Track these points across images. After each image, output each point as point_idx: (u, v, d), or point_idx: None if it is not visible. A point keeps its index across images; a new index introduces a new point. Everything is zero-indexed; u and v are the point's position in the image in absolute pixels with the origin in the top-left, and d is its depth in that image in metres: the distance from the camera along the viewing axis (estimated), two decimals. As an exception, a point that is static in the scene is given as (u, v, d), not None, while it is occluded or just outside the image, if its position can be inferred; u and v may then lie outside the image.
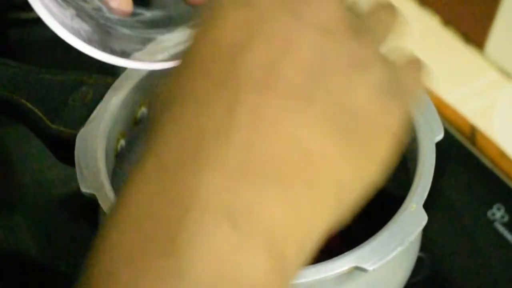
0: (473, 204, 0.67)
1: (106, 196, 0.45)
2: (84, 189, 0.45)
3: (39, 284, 0.62)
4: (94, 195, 0.45)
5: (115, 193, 0.46)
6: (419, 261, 0.53)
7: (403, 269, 0.50)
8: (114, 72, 0.54)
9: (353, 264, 0.42)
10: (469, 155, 0.73)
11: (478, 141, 0.75)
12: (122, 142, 0.53)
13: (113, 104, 0.51)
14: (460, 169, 0.70)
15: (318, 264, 0.42)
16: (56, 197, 0.69)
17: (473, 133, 0.76)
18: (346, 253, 0.43)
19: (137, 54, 0.49)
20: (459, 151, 0.72)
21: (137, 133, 0.55)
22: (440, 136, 0.49)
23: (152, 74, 0.53)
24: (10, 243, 0.65)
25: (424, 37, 0.92)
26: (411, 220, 0.44)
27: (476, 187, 0.69)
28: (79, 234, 0.65)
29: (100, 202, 0.45)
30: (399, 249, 0.43)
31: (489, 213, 0.66)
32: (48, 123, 0.52)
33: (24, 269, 0.64)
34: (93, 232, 0.54)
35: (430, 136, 0.49)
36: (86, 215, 0.65)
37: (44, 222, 0.67)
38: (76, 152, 0.48)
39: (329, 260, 0.42)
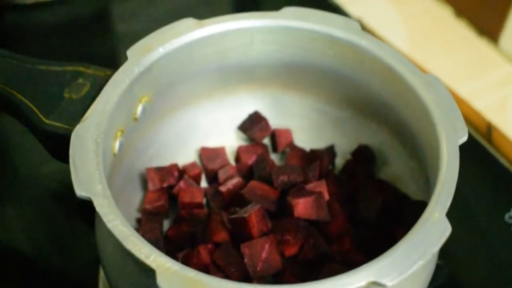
0: (490, 206, 0.64)
1: (103, 201, 0.41)
2: (79, 192, 0.42)
3: (31, 279, 0.59)
4: (90, 199, 0.42)
5: (113, 196, 0.43)
6: (436, 269, 0.50)
7: (422, 281, 0.46)
8: (114, 63, 0.51)
9: (371, 279, 0.39)
10: (485, 154, 0.69)
11: (495, 139, 0.72)
12: (121, 139, 0.49)
13: (111, 98, 0.47)
14: (476, 169, 0.67)
15: (333, 278, 0.39)
16: (52, 192, 0.66)
17: (489, 130, 0.73)
18: (363, 266, 0.39)
19: None
20: (474, 150, 0.69)
21: (136, 129, 0.51)
22: (464, 138, 0.46)
23: (152, 67, 0.49)
24: (0, 237, 0.62)
25: (436, 29, 0.89)
26: (433, 230, 0.41)
27: (492, 188, 0.66)
28: (74, 230, 0.62)
29: (96, 207, 0.41)
30: (421, 263, 0.39)
31: (506, 217, 0.63)
32: (42, 117, 0.49)
33: (16, 264, 0.61)
34: (88, 230, 0.51)
35: (453, 137, 0.46)
36: (82, 213, 0.62)
37: (39, 217, 0.64)
38: (71, 151, 0.44)
39: (344, 274, 0.39)
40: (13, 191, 0.66)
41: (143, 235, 0.50)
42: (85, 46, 0.74)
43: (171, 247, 0.52)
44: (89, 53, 0.71)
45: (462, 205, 0.63)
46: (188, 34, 0.51)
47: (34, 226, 0.63)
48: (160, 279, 0.38)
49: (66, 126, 0.48)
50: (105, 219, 0.41)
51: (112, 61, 0.50)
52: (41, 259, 0.61)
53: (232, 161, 0.59)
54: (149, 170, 0.54)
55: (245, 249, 0.46)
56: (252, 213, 0.47)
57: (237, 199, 0.53)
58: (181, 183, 0.55)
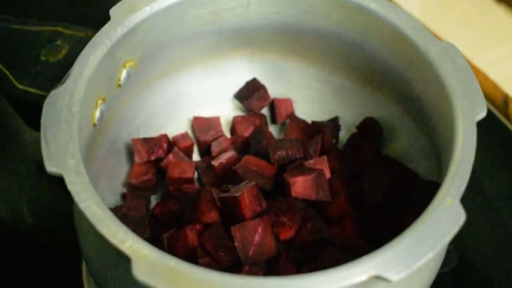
0: (506, 187, 0.59)
1: (75, 178, 0.37)
2: (49, 168, 0.38)
3: (14, 255, 0.56)
4: (61, 175, 0.37)
5: (88, 174, 0.38)
6: (446, 253, 0.45)
7: (430, 270, 0.42)
8: (96, 24, 0.46)
9: (374, 273, 0.34)
10: (501, 128, 0.65)
11: (512, 112, 0.68)
12: (102, 107, 0.45)
13: (90, 62, 0.42)
14: (491, 146, 0.62)
15: (330, 270, 0.34)
16: (35, 162, 0.63)
17: (506, 103, 0.68)
18: (364, 257, 0.35)
19: None
20: (490, 123, 0.64)
21: (121, 96, 0.47)
22: (482, 114, 0.41)
23: (137, 28, 0.45)
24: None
25: (452, -6, 0.84)
26: (445, 218, 0.36)
27: (509, 166, 0.61)
28: (59, 203, 0.59)
29: (67, 184, 0.37)
30: (430, 254, 0.35)
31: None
32: (15, 82, 0.45)
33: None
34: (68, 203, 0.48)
35: (470, 113, 0.41)
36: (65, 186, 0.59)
37: (23, 189, 0.61)
38: (42, 121, 0.40)
39: (343, 266, 0.35)
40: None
41: (127, 212, 0.46)
42: (74, 5, 0.70)
43: (157, 225, 0.48)
44: (72, 12, 0.67)
45: (475, 186, 0.58)
46: (178, -8, 0.46)
47: (15, 197, 0.60)
48: (136, 268, 0.34)
49: (41, 92, 0.44)
50: (77, 199, 0.37)
51: (95, 20, 0.46)
52: (21, 232, 0.58)
53: (227, 133, 0.55)
54: (135, 141, 0.50)
55: (236, 231, 0.42)
56: (244, 192, 0.43)
57: (230, 175, 0.49)
58: (170, 156, 0.51)
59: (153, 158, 0.50)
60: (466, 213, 0.37)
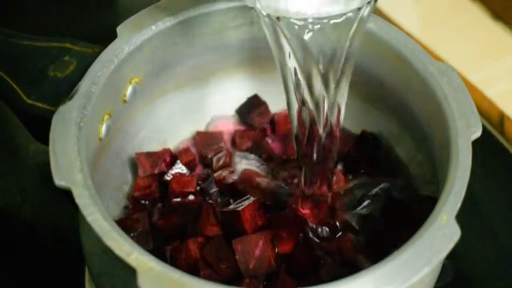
0: (501, 202, 0.60)
1: (83, 191, 0.38)
2: (57, 182, 0.39)
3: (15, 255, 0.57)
4: (69, 189, 0.39)
5: (98, 182, 0.39)
6: (441, 268, 0.47)
7: (426, 285, 0.43)
8: (103, 40, 0.47)
9: (371, 287, 0.35)
10: (496, 145, 0.66)
11: (507, 129, 0.69)
12: (109, 122, 0.46)
13: (97, 79, 0.44)
14: (486, 161, 0.63)
15: (328, 284, 0.36)
16: (40, 173, 0.63)
17: (501, 120, 0.69)
18: (361, 273, 0.36)
19: None
20: (485, 141, 0.65)
21: (126, 112, 0.48)
22: (477, 133, 0.42)
23: (143, 46, 0.46)
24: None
25: (450, 12, 0.86)
26: (440, 234, 0.38)
27: (504, 182, 0.62)
28: (61, 213, 0.59)
29: (75, 198, 0.38)
30: (426, 270, 0.36)
31: (518, 212, 0.60)
32: (24, 97, 0.46)
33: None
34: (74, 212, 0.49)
35: (466, 132, 0.42)
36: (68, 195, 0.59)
37: (27, 198, 0.61)
38: (51, 136, 0.41)
39: (341, 280, 0.36)
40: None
41: (131, 225, 0.47)
42: (79, 20, 0.71)
43: (160, 237, 0.49)
44: (81, 29, 0.68)
45: (472, 201, 0.59)
46: (183, 11, 0.47)
47: (19, 205, 0.60)
48: (141, 280, 0.35)
49: (49, 107, 0.45)
50: (84, 212, 0.38)
51: (103, 37, 0.47)
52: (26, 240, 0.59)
53: (230, 147, 0.56)
54: (139, 155, 0.51)
55: (237, 245, 0.43)
56: (245, 207, 0.44)
57: (231, 188, 0.50)
58: (173, 170, 0.52)
59: (156, 171, 0.51)
60: (462, 228, 0.38)
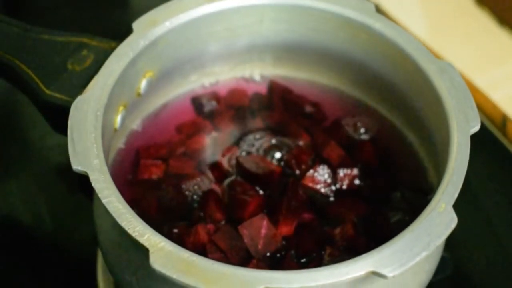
0: (502, 200, 0.62)
1: (99, 175, 0.40)
2: (75, 166, 0.41)
3: (32, 255, 0.58)
4: (86, 173, 0.41)
5: (110, 172, 0.41)
6: (441, 261, 0.48)
7: (425, 272, 0.45)
8: (119, 35, 0.49)
9: (371, 269, 0.37)
10: (498, 146, 0.67)
11: (509, 131, 0.70)
12: (124, 113, 0.48)
13: (114, 71, 0.46)
14: (489, 162, 0.65)
15: (331, 266, 0.37)
16: (55, 165, 0.65)
17: (504, 123, 0.71)
18: (363, 256, 0.38)
19: None
20: (488, 142, 0.67)
21: (139, 104, 0.50)
22: (476, 128, 0.44)
23: (158, 41, 0.48)
24: (2, 211, 0.61)
25: (456, 16, 0.87)
26: (438, 221, 0.39)
27: (504, 181, 0.64)
28: (77, 205, 0.61)
29: (92, 182, 0.40)
30: (424, 254, 0.38)
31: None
32: (43, 88, 0.48)
33: (17, 238, 0.60)
34: (89, 205, 0.50)
35: (465, 127, 0.44)
36: (83, 187, 0.61)
37: (41, 190, 0.63)
38: (69, 124, 0.43)
39: (343, 263, 0.38)
40: (17, 163, 0.65)
41: (138, 208, 0.49)
42: (95, 17, 0.73)
43: (163, 220, 0.50)
44: (97, 24, 0.70)
45: (473, 198, 0.61)
46: (196, 9, 0.49)
47: (35, 198, 0.62)
48: (153, 259, 0.37)
49: (67, 98, 0.47)
50: (100, 195, 0.40)
51: (118, 32, 0.49)
52: (39, 232, 0.60)
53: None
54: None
55: (243, 229, 0.45)
56: (251, 200, 0.47)
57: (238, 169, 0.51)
58: (178, 155, 0.53)
59: (161, 156, 0.53)
60: (462, 224, 0.40)
